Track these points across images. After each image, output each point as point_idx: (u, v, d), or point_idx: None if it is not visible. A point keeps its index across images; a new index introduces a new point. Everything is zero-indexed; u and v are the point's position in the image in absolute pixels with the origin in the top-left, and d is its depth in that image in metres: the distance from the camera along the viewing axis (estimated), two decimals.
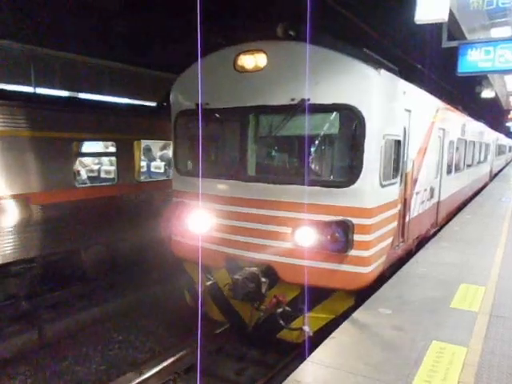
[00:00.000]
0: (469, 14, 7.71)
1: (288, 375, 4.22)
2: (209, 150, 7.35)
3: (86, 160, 11.66)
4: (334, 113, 5.87)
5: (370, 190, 5.79)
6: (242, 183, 6.40)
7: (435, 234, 10.09)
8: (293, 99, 5.88)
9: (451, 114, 11.54)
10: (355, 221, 5.69)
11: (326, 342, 4.75)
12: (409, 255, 8.05)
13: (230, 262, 6.60)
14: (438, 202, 10.50)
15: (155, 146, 12.99)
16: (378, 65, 5.99)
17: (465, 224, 11.27)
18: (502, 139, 33.26)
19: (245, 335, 7.02)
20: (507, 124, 34.20)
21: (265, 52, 6.17)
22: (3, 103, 7.99)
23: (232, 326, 7.42)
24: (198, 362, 6.01)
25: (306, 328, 5.96)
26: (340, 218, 5.70)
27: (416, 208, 8.25)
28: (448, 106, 11.11)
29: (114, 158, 10.51)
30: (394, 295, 6.07)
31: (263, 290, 6.27)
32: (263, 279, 6.26)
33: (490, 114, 29.02)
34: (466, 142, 14.06)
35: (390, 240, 6.66)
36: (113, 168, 10.77)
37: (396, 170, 6.78)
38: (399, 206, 7.06)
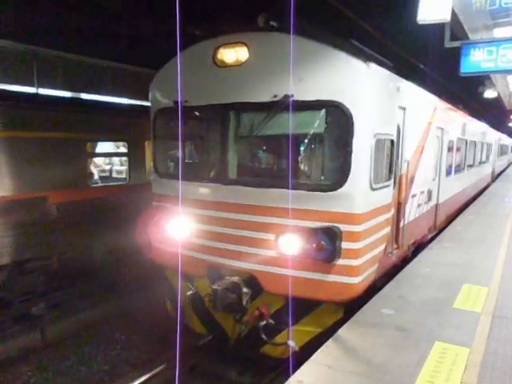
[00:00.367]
0: (471, 13, 7.68)
1: None
2: (189, 151, 7.15)
3: (98, 160, 11.87)
4: (320, 110, 5.45)
5: (360, 193, 5.43)
6: (223, 186, 6.04)
7: (434, 237, 9.78)
8: (275, 96, 5.49)
9: (451, 113, 11.20)
10: (343, 227, 5.31)
11: (328, 342, 4.74)
12: (405, 262, 7.74)
13: (212, 271, 6.27)
14: (437, 205, 10.12)
15: None
16: (367, 58, 5.61)
17: (468, 224, 11.25)
18: (505, 139, 33.16)
19: (226, 350, 6.60)
20: (510, 124, 34.09)
21: (246, 45, 5.78)
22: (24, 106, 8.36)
23: (214, 339, 6.99)
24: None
25: (291, 343, 5.53)
26: (327, 224, 5.32)
27: (412, 212, 7.88)
28: (447, 105, 10.78)
29: (125, 158, 10.69)
30: (397, 295, 6.07)
31: (244, 302, 5.88)
32: (245, 290, 5.90)
33: (492, 114, 28.95)
34: (466, 141, 13.67)
35: (382, 247, 6.30)
36: (124, 168, 10.96)
37: (389, 171, 6.41)
38: (393, 211, 6.69)
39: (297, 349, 5.52)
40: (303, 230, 5.40)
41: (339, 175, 5.41)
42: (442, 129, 9.81)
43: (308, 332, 5.77)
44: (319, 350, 4.57)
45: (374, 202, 5.85)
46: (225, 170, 6.04)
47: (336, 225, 5.31)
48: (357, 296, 5.59)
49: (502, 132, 31.81)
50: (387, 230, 6.48)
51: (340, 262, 5.34)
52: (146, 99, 7.18)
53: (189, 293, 6.53)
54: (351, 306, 5.66)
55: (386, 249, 6.46)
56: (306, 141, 5.83)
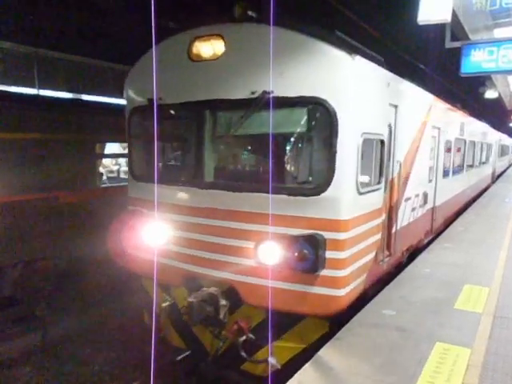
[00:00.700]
0: (472, 14, 7.69)
1: None
2: (164, 152, 6.79)
3: (106, 161, 11.99)
4: (301, 107, 5.05)
5: (345, 198, 4.98)
6: (199, 190, 5.66)
7: (431, 241, 9.48)
8: (253, 92, 5.09)
9: (448, 112, 10.80)
10: (327, 235, 4.90)
11: (330, 343, 4.74)
12: (398, 269, 7.35)
13: (190, 281, 5.86)
14: (433, 208, 9.71)
15: None
16: (353, 50, 5.18)
17: (469, 224, 11.25)
18: (505, 139, 33.12)
19: (202, 366, 6.03)
20: (510, 124, 34.08)
21: (222, 37, 5.38)
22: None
23: (192, 354, 6.37)
24: None
25: (272, 360, 5.15)
26: (309, 231, 4.91)
27: (405, 216, 7.44)
28: (444, 103, 10.33)
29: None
30: (398, 296, 6.06)
31: (221, 315, 5.48)
32: (223, 302, 5.49)
33: (493, 114, 28.95)
34: (465, 142, 13.28)
35: (372, 255, 5.90)
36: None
37: (379, 174, 5.99)
38: (384, 216, 6.26)
39: (279, 366, 5.19)
40: (284, 238, 4.98)
41: (322, 178, 5.01)
42: (438, 128, 9.44)
43: (290, 348, 5.36)
44: (321, 351, 4.56)
45: (362, 207, 5.45)
46: (201, 172, 5.67)
47: (319, 232, 4.90)
48: (343, 309, 5.19)
49: (503, 132, 31.80)
50: (378, 236, 6.09)
51: (324, 272, 4.94)
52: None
53: (164, 304, 6.14)
54: (339, 319, 5.28)
55: (376, 257, 6.07)
56: (287, 141, 5.47)
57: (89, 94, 13.83)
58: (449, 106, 10.96)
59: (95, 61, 13.97)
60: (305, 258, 4.83)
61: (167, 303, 6.15)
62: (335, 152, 4.87)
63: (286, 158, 5.52)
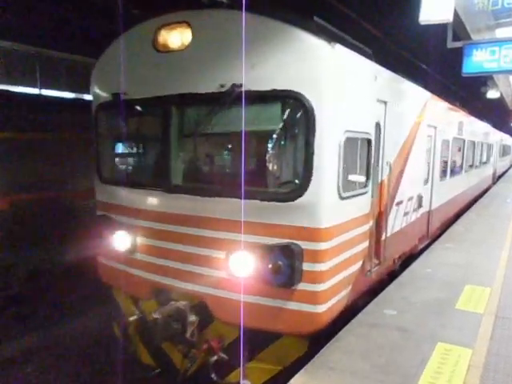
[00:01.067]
0: (474, 14, 7.70)
1: None
2: (132, 153, 6.32)
3: None
4: (275, 102, 4.58)
5: (324, 203, 4.50)
6: (166, 194, 5.19)
7: (428, 246, 9.12)
8: (222, 85, 4.60)
9: (446, 110, 10.30)
10: (304, 245, 4.43)
11: (331, 343, 4.74)
12: (391, 277, 6.92)
13: (160, 293, 5.38)
14: (430, 212, 9.23)
15: None
16: (334, 39, 4.66)
17: (470, 225, 11.23)
18: (507, 139, 33.06)
19: None
20: None
21: (190, 25, 4.90)
22: None
23: (161, 373, 5.82)
24: None
25: (246, 383, 4.74)
26: (284, 241, 4.43)
27: (397, 221, 6.95)
28: (441, 101, 9.84)
29: None
30: (399, 296, 6.06)
31: (188, 333, 4.98)
32: (192, 318, 4.99)
33: (495, 114, 28.92)
34: (464, 142, 12.78)
35: (357, 265, 5.44)
36: None
37: (366, 176, 5.50)
38: (371, 222, 5.79)
39: None
40: (257, 248, 4.50)
41: (299, 182, 4.53)
42: (434, 127, 8.91)
43: (266, 370, 4.86)
44: (321, 351, 4.56)
45: (345, 213, 4.98)
46: (167, 175, 5.19)
47: (296, 242, 4.43)
48: (323, 327, 4.70)
49: (505, 132, 31.74)
50: (364, 244, 5.62)
51: (301, 286, 4.47)
52: None
53: (132, 318, 5.63)
54: (321, 336, 4.80)
55: (363, 267, 5.62)
56: (260, 141, 4.99)
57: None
58: (447, 103, 10.54)
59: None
60: (279, 271, 4.39)
61: (135, 317, 5.65)
62: (312, 152, 4.38)
63: (259, 159, 4.99)
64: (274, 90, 4.41)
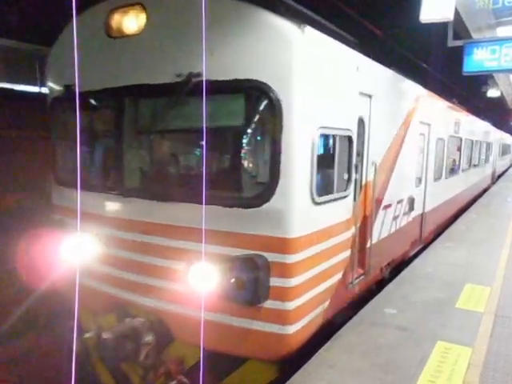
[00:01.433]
0: (474, 13, 7.69)
1: None
2: (88, 152, 5.69)
3: None
4: (237, 94, 4.09)
5: (294, 210, 3.96)
6: (121, 198, 4.74)
7: (423, 250, 8.66)
8: (179, 75, 4.09)
9: (441, 107, 9.73)
10: (271, 257, 3.93)
11: (331, 342, 4.74)
12: (379, 287, 6.43)
13: (118, 308, 4.90)
14: (423, 215, 8.72)
15: None
16: (308, 22, 4.08)
17: (470, 224, 11.23)
18: (507, 138, 33.00)
19: None
20: None
21: (144, 7, 4.42)
22: None
23: None
24: None
25: None
26: (248, 252, 3.93)
27: (385, 226, 6.44)
28: (436, 97, 9.26)
29: None
30: (399, 295, 6.05)
31: (142, 356, 4.49)
32: (148, 338, 4.48)
33: (495, 112, 28.92)
34: (461, 140, 12.22)
35: (337, 278, 4.90)
36: None
37: (347, 178, 4.95)
38: (354, 228, 5.24)
39: None
40: (217, 260, 3.99)
41: (264, 185, 4.05)
42: (428, 125, 8.36)
43: None
44: (321, 350, 4.56)
45: (321, 220, 4.45)
46: (121, 177, 4.73)
47: (261, 253, 3.93)
48: (292, 351, 4.21)
49: (505, 131, 31.69)
50: (345, 254, 5.09)
51: (267, 304, 3.98)
52: None
53: (87, 335, 5.01)
54: (293, 358, 4.26)
55: (344, 279, 5.07)
56: (222, 138, 4.54)
57: None
58: (442, 100, 9.99)
59: None
60: (243, 286, 3.88)
61: (91, 333, 5.04)
62: (280, 151, 3.86)
63: (221, 159, 4.62)
64: (236, 80, 3.93)
